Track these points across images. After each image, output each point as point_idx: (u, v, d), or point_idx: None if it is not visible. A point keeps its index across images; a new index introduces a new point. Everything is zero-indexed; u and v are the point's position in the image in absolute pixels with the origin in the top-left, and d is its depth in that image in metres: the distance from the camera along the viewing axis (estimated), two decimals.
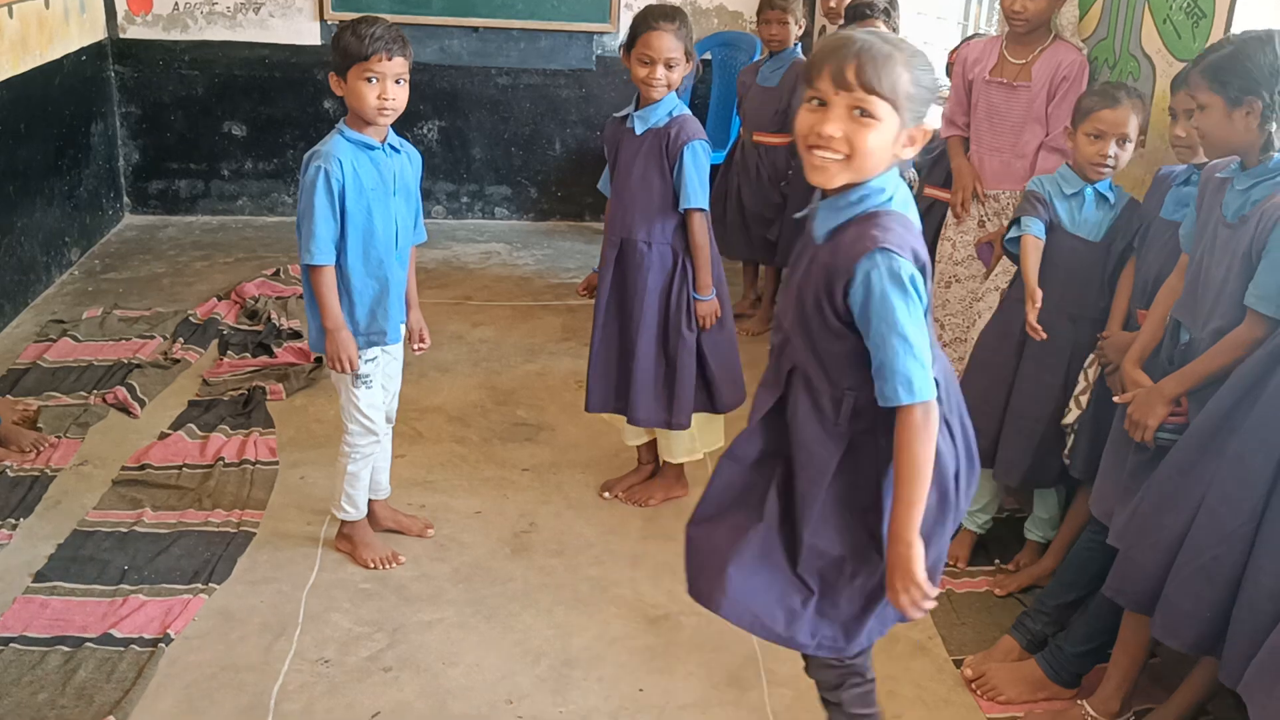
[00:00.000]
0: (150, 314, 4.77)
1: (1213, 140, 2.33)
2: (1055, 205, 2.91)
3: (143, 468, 3.53)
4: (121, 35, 5.89)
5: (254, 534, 3.23)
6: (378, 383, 3.02)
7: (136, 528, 3.22)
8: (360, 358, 2.91)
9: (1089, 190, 2.89)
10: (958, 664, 2.82)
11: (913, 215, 1.85)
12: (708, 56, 6.19)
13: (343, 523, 3.14)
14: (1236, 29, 2.79)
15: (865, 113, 1.75)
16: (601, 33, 6.16)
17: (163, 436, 3.75)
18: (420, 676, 2.70)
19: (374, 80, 2.74)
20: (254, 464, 3.59)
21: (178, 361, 4.31)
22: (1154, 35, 3.12)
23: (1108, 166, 2.85)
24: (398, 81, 2.78)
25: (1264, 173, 2.28)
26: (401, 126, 6.15)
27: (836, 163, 1.78)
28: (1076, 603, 2.78)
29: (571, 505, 3.49)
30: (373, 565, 3.10)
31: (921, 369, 1.76)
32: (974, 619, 3.01)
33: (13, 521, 3.22)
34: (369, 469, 3.12)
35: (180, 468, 3.56)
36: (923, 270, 1.79)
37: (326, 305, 2.83)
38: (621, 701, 2.64)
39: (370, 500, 3.18)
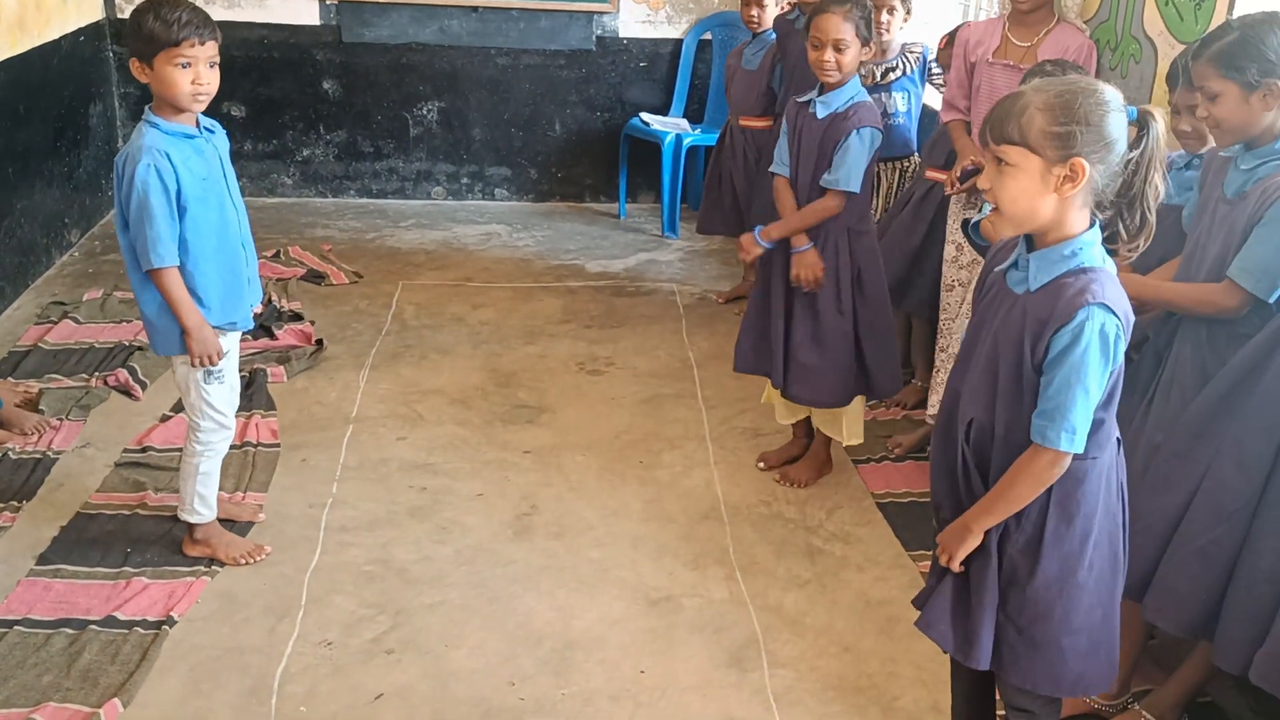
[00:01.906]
0: None
1: (1230, 126, 2.30)
2: None
3: (145, 450, 3.54)
4: (119, 15, 5.86)
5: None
6: (228, 375, 2.93)
7: (139, 510, 3.23)
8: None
9: None
10: None
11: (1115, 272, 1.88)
12: (708, 36, 6.17)
13: (194, 526, 3.01)
14: (1239, 11, 2.79)
15: (1004, 162, 1.80)
16: (601, 13, 6.13)
17: (164, 419, 3.75)
18: (423, 658, 2.71)
19: (186, 66, 2.60)
20: (255, 446, 3.59)
21: None
22: (1156, 17, 3.12)
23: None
24: (210, 65, 2.65)
25: (1270, 153, 2.28)
26: (402, 107, 6.16)
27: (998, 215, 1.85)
28: None
29: (573, 488, 3.50)
30: (243, 561, 3.02)
31: (1086, 426, 1.83)
32: None
33: (15, 504, 3.23)
34: (219, 467, 3.01)
35: (182, 450, 3.55)
36: (1129, 329, 1.85)
37: (183, 304, 2.71)
38: (623, 683, 2.66)
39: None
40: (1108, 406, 1.89)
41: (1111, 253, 1.89)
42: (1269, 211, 2.23)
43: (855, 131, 3.09)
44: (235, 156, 6.07)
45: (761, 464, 3.63)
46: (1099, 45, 3.37)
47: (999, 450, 1.94)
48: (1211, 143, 2.60)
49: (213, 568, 2.99)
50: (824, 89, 3.19)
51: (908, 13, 4.18)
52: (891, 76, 4.21)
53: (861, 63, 3.15)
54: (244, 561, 3.02)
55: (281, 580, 2.98)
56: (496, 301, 4.97)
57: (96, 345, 4.26)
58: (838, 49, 3.07)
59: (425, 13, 6.03)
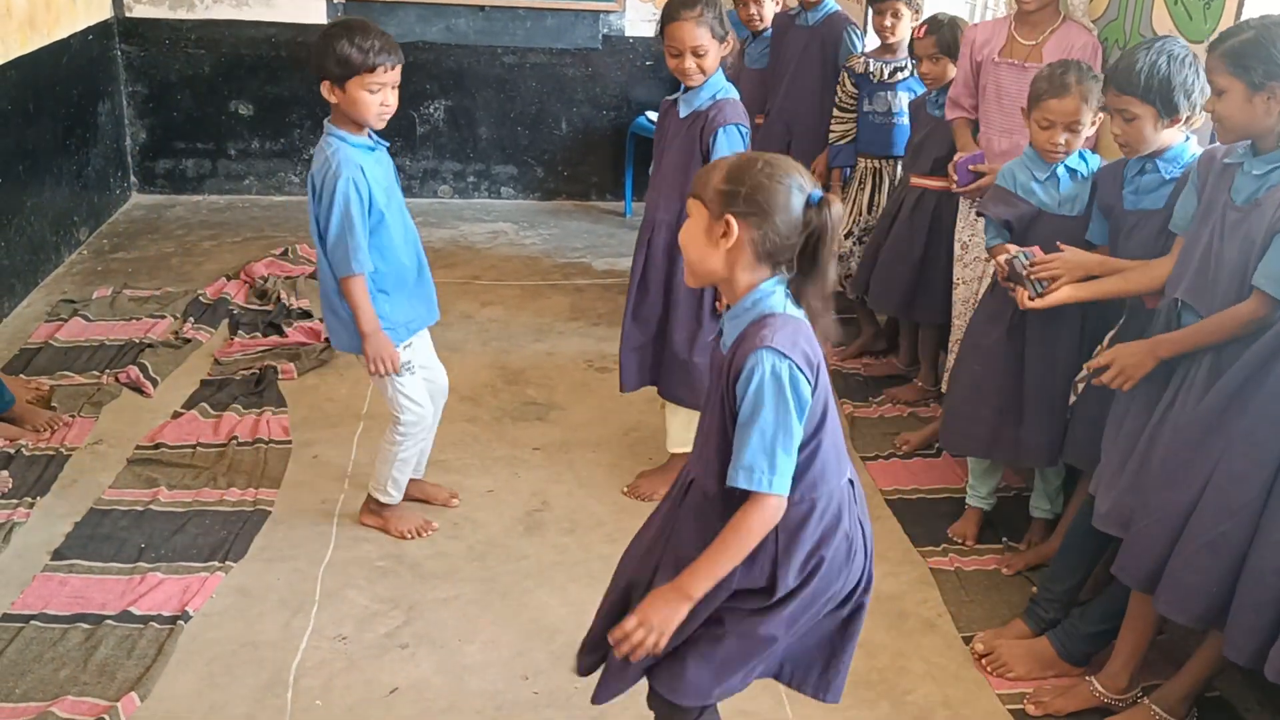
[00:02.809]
0: (160, 293, 4.79)
1: (1231, 125, 2.32)
2: (1034, 189, 2.92)
3: (157, 446, 3.56)
4: (128, 14, 5.88)
5: (269, 512, 3.26)
6: (418, 365, 3.06)
7: (153, 506, 3.25)
8: (401, 348, 2.96)
9: (1060, 169, 2.91)
10: (967, 641, 2.85)
11: (803, 318, 1.88)
12: None
13: (376, 500, 3.18)
14: (1249, 12, 2.80)
15: None
16: (608, 12, 6.15)
17: (176, 415, 3.77)
18: (437, 653, 2.73)
19: (376, 90, 2.76)
20: (267, 443, 3.61)
21: (189, 341, 4.34)
22: (1165, 16, 3.13)
23: (1059, 152, 2.88)
24: (393, 88, 2.81)
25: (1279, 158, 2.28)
26: (407, 106, 6.17)
27: None
28: (1082, 584, 2.81)
29: (583, 484, 3.52)
30: (409, 535, 3.17)
31: (771, 465, 1.80)
32: (983, 597, 3.04)
33: (30, 500, 3.25)
34: (417, 454, 3.17)
35: (195, 447, 3.58)
36: (814, 369, 1.84)
37: (365, 310, 2.85)
38: None
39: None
40: (815, 441, 1.87)
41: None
42: None
43: (721, 131, 3.07)
44: (243, 155, 6.17)
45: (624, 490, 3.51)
46: (1107, 44, 3.38)
47: (707, 506, 1.93)
48: (1143, 150, 2.61)
49: (227, 563, 3.01)
50: (687, 87, 3.17)
51: (915, 13, 4.18)
52: (899, 76, 4.23)
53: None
54: (409, 536, 3.17)
55: (295, 575, 3.00)
56: (504, 299, 4.99)
57: (107, 342, 4.28)
58: (696, 54, 3.05)
59: (432, 11, 6.05)
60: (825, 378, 1.88)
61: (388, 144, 2.98)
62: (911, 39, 4.03)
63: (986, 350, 3.06)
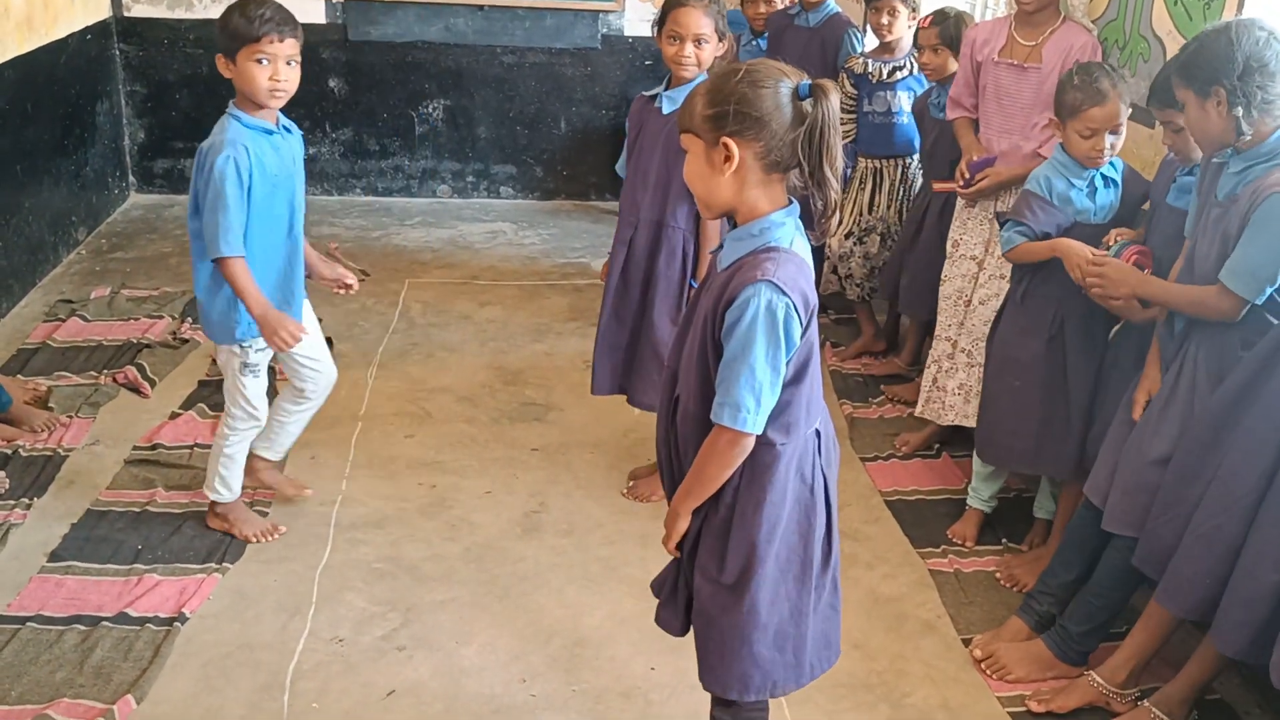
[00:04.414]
0: (158, 293, 4.78)
1: (1195, 135, 2.42)
2: (1072, 197, 2.90)
3: (154, 447, 3.55)
4: (126, 14, 5.87)
5: (266, 514, 3.24)
6: (264, 371, 3.03)
7: (149, 507, 3.24)
8: (251, 347, 2.93)
9: (1095, 176, 2.90)
10: (966, 643, 2.85)
11: (807, 258, 1.87)
12: None
13: (215, 502, 3.13)
14: (1248, 11, 2.79)
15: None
16: (607, 11, 6.14)
17: (174, 416, 3.76)
18: (434, 655, 2.72)
19: (265, 62, 2.71)
20: None
21: (186, 341, 4.33)
22: (1165, 16, 3.12)
23: (1105, 158, 2.87)
24: (289, 63, 2.76)
25: (1257, 155, 2.34)
26: (408, 105, 6.17)
27: None
28: (1080, 579, 2.81)
29: (581, 485, 3.51)
30: (254, 539, 3.11)
31: (757, 405, 1.81)
32: (982, 598, 3.03)
33: (27, 501, 3.24)
34: (245, 452, 3.12)
35: (192, 447, 3.57)
36: (808, 311, 1.83)
37: (250, 293, 2.78)
38: (634, 680, 2.67)
39: (257, 455, 3.20)
40: (794, 388, 1.87)
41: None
42: (1256, 213, 2.28)
43: None
44: None
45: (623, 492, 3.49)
46: (1107, 44, 3.37)
47: (695, 428, 1.93)
48: (1196, 156, 2.64)
49: (224, 564, 3.00)
50: (671, 84, 3.14)
51: (913, 12, 4.18)
52: (898, 75, 4.22)
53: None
54: (255, 539, 3.10)
55: (293, 577, 2.99)
56: (503, 299, 4.98)
57: (105, 343, 4.27)
58: (697, 44, 3.03)
59: (431, 11, 6.04)
60: (815, 324, 1.87)
61: (293, 131, 2.92)
62: (916, 29, 4.06)
63: (1024, 363, 3.02)
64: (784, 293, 1.77)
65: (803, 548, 1.98)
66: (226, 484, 3.10)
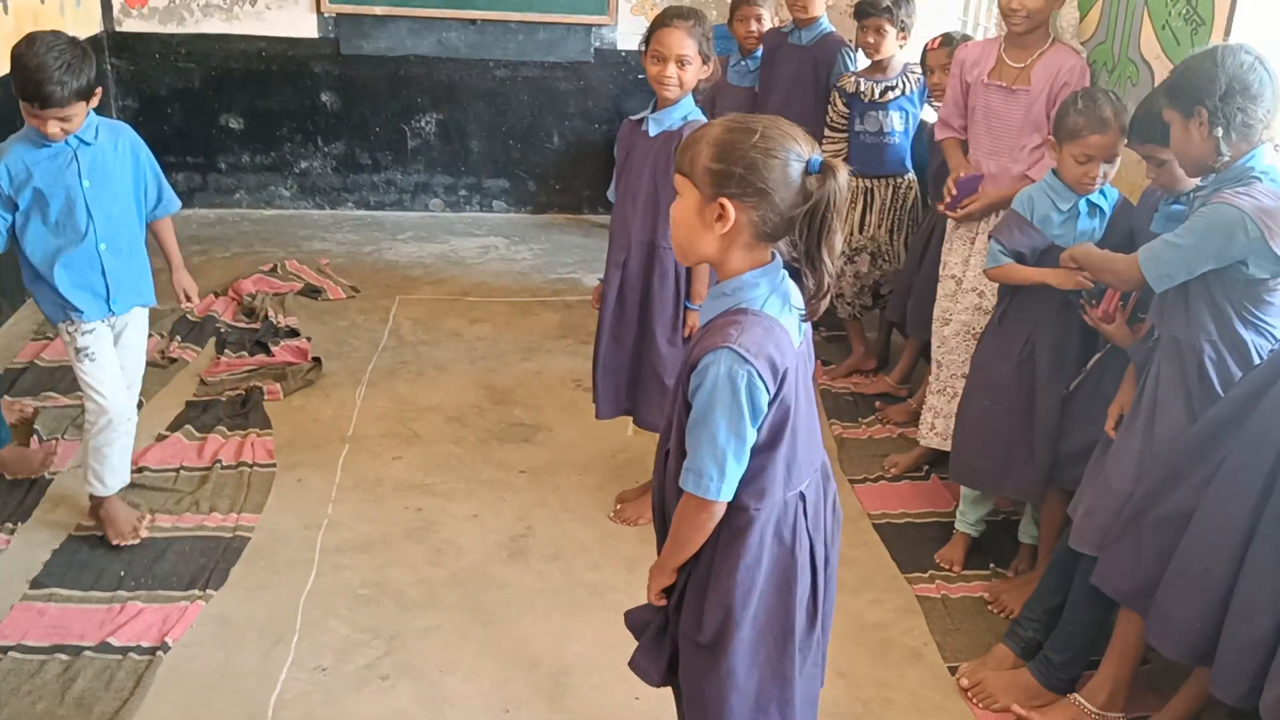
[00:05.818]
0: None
1: (1178, 156, 2.43)
2: (1052, 219, 2.90)
3: (140, 470, 3.53)
4: (118, 28, 5.87)
5: (249, 539, 3.23)
6: (103, 358, 3.08)
7: None
8: (77, 331, 3.04)
9: (1082, 203, 2.89)
10: (953, 670, 2.83)
11: (788, 323, 1.81)
12: None
13: (92, 496, 3.18)
14: (1235, 37, 2.78)
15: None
16: (599, 25, 6.14)
17: (161, 438, 3.75)
18: (417, 684, 2.71)
19: (36, 117, 2.82)
20: (251, 466, 3.59)
21: (175, 360, 4.31)
22: (1153, 41, 3.11)
23: (1096, 185, 2.87)
24: (65, 119, 2.83)
25: (1223, 180, 2.35)
26: (400, 119, 6.17)
27: None
28: (1064, 605, 2.80)
29: (568, 508, 3.49)
30: (116, 541, 3.13)
31: (721, 473, 1.77)
32: (969, 624, 3.02)
33: (10, 526, 3.22)
34: (117, 450, 3.16)
35: (178, 470, 3.56)
36: (779, 379, 1.76)
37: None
38: (618, 709, 2.65)
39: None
40: (768, 453, 1.80)
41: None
42: (1196, 213, 2.33)
43: None
44: (233, 168, 6.13)
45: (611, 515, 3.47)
46: (1096, 67, 3.36)
47: (674, 486, 1.89)
48: (1182, 186, 2.63)
49: (207, 591, 2.99)
50: (657, 106, 3.14)
51: (901, 33, 4.18)
52: (890, 95, 4.21)
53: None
54: (119, 541, 3.13)
55: (277, 604, 2.97)
56: (493, 316, 4.97)
57: None
58: (680, 64, 3.02)
59: (423, 25, 6.03)
60: (793, 385, 1.79)
61: (91, 143, 2.97)
62: (924, 50, 4.06)
63: (995, 385, 3.04)
64: (746, 360, 1.71)
65: (783, 611, 1.92)
66: (100, 476, 3.14)
